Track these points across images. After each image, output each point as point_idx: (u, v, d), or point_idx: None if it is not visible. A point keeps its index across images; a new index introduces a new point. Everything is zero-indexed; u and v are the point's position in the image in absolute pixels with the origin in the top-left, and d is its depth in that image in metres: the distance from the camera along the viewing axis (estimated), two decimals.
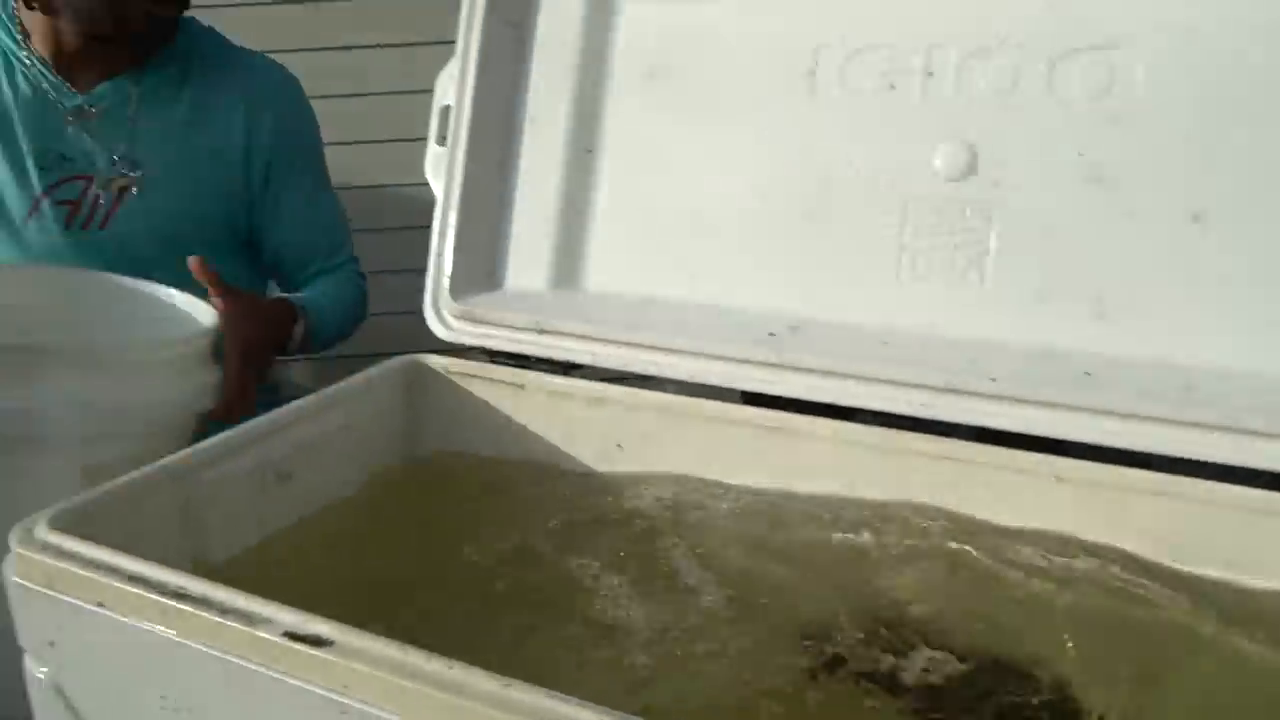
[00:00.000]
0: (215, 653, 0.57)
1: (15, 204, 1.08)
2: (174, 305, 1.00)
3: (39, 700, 0.67)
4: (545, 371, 0.99)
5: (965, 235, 0.87)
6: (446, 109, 1.04)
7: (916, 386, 0.84)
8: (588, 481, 0.94)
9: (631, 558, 0.81)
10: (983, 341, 0.85)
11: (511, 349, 1.00)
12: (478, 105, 1.03)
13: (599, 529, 0.85)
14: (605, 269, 1.02)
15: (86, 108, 1.09)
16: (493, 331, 1.01)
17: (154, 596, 0.59)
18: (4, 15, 1.09)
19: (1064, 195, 0.83)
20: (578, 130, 1.03)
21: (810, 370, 0.88)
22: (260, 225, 1.24)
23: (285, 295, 1.19)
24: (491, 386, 0.99)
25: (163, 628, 0.59)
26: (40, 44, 1.08)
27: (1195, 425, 0.75)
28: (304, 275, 1.28)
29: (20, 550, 0.64)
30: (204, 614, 0.57)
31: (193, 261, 0.99)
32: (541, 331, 0.99)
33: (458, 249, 1.03)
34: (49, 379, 0.80)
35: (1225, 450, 0.73)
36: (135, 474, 0.74)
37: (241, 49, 1.20)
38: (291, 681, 0.54)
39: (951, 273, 0.88)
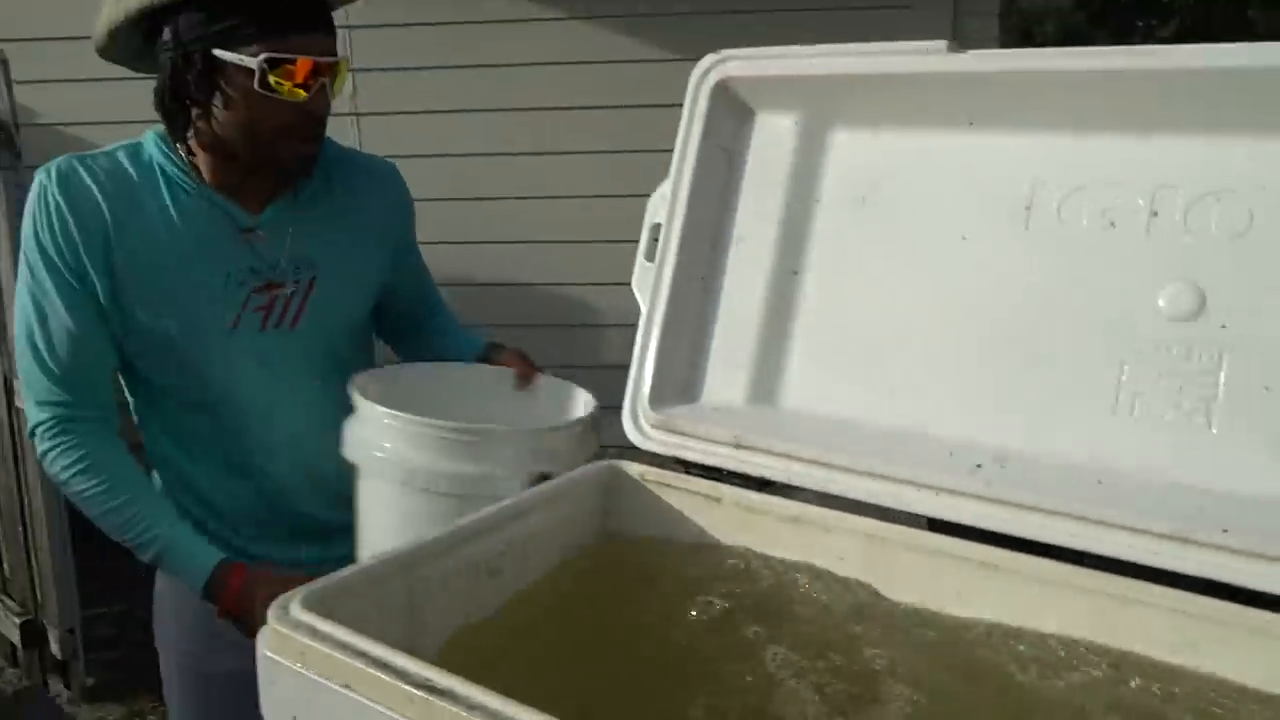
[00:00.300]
0: None
1: (217, 317, 1.18)
2: (550, 388, 1.27)
3: None
4: (739, 486, 1.00)
5: (1192, 378, 0.85)
6: (657, 227, 1.10)
7: (1139, 532, 0.81)
8: (782, 592, 0.94)
9: (828, 670, 0.80)
10: (1212, 489, 0.82)
11: (707, 461, 1.02)
12: (688, 225, 1.08)
13: (794, 638, 0.84)
14: (803, 387, 1.04)
15: (257, 228, 1.20)
16: (689, 443, 1.03)
17: (401, 685, 0.62)
18: (171, 154, 1.18)
19: None
20: (785, 251, 1.06)
21: (1020, 506, 0.86)
22: (389, 295, 1.39)
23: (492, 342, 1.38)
24: (687, 497, 1.01)
25: (406, 716, 0.62)
26: (208, 176, 1.19)
27: None
28: (424, 328, 1.44)
29: (276, 626, 0.69)
30: (449, 707, 0.60)
31: (520, 368, 1.26)
32: (738, 446, 1.00)
33: (659, 361, 1.07)
34: (499, 453, 1.05)
35: None
36: (372, 562, 0.79)
37: (347, 148, 1.34)
38: None
39: (1176, 415, 0.85)
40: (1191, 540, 0.79)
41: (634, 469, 1.04)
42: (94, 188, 1.14)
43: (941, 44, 0.96)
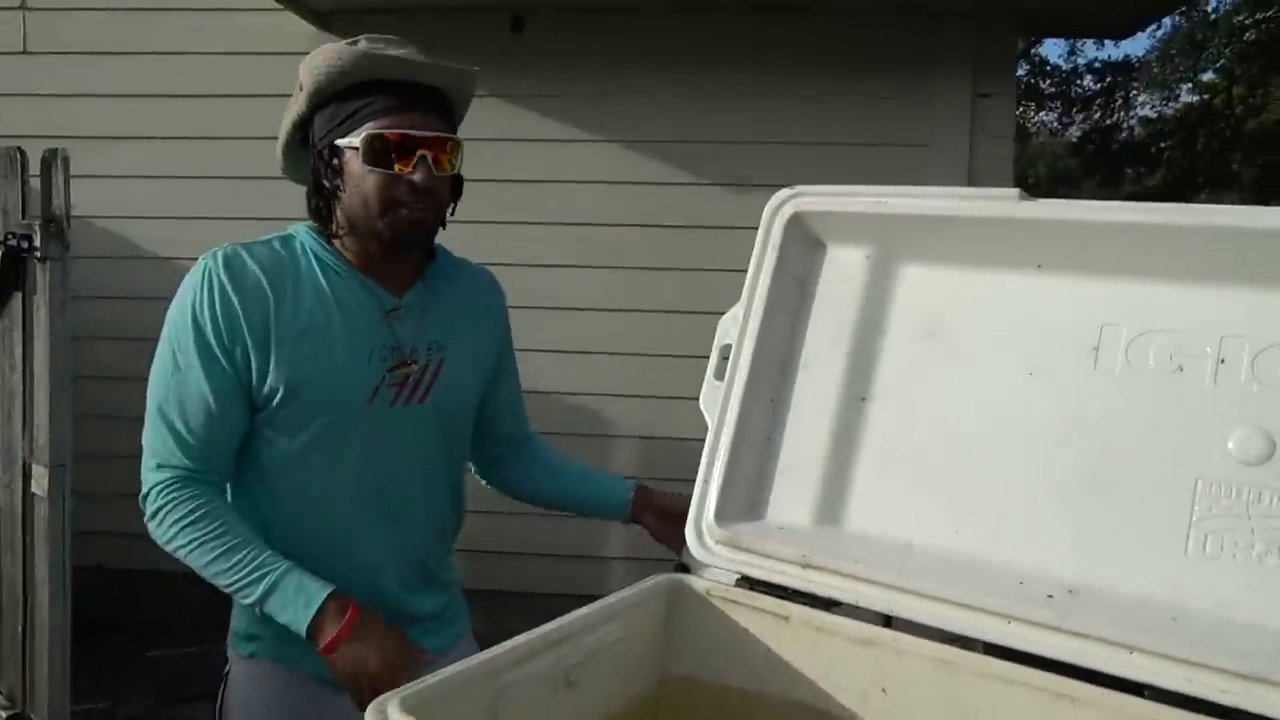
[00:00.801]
0: None
1: (357, 389, 1.25)
2: None
3: None
4: (805, 605, 1.01)
5: (1263, 520, 0.87)
6: (727, 347, 1.14)
7: (1215, 670, 0.82)
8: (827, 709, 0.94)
9: None
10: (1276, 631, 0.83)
11: (773, 579, 1.03)
12: (758, 348, 1.12)
13: None
14: (869, 510, 1.06)
15: (399, 308, 1.29)
16: (755, 560, 1.05)
17: None
18: (322, 242, 1.28)
19: None
20: (853, 378, 1.10)
21: (1091, 638, 0.87)
22: (490, 404, 1.45)
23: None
24: (755, 615, 1.01)
25: None
26: (355, 261, 1.28)
27: None
28: (521, 454, 1.51)
29: None
30: None
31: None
32: (806, 566, 1.02)
33: (725, 478, 1.10)
34: None
35: None
36: (462, 667, 0.79)
37: (456, 256, 1.45)
38: None
39: (1249, 556, 0.87)
40: (1265, 680, 0.80)
41: (699, 584, 1.05)
42: (257, 269, 1.22)
43: (1014, 192, 1.02)
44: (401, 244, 1.24)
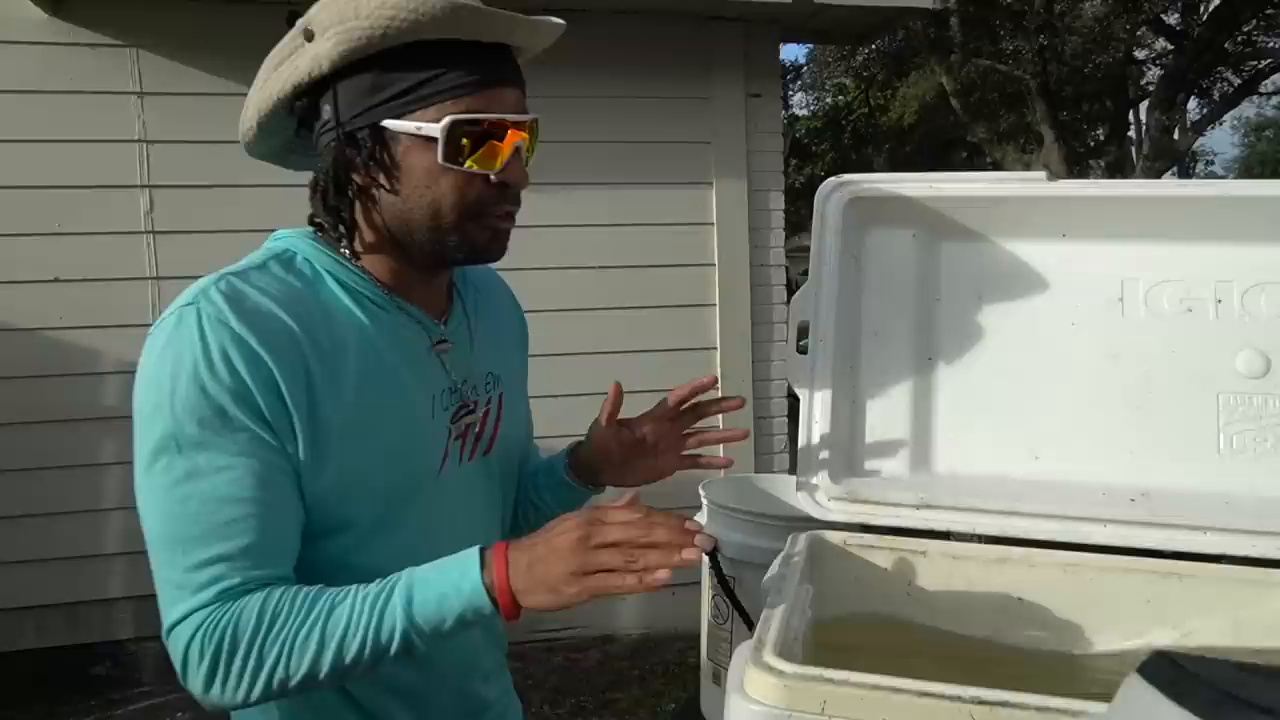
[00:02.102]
0: None
1: (428, 458, 0.98)
2: None
3: None
4: (917, 538, 1.16)
5: (1273, 419, 1.14)
6: (804, 324, 1.25)
7: (1262, 534, 1.08)
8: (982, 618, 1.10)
9: None
10: None
11: (895, 523, 1.17)
12: (834, 321, 1.24)
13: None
14: (955, 452, 1.23)
15: (445, 339, 1.02)
16: (872, 509, 1.18)
17: None
18: (339, 259, 0.97)
19: None
20: (918, 340, 1.26)
21: (1176, 526, 1.10)
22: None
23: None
24: (891, 555, 1.14)
25: None
26: (387, 281, 0.98)
27: None
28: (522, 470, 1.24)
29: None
30: None
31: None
32: (922, 506, 1.16)
33: (828, 442, 1.21)
34: None
35: None
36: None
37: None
38: None
39: (1265, 448, 1.14)
40: None
41: (834, 537, 1.16)
42: (275, 308, 0.89)
43: (1041, 174, 1.23)
44: (468, 261, 0.98)
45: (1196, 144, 15.69)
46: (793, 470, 1.29)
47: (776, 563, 1.07)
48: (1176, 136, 11.56)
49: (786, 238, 4.04)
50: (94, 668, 3.54)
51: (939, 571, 1.14)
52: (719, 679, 1.46)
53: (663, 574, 0.82)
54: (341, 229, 0.96)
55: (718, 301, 3.86)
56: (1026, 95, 11.94)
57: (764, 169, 3.85)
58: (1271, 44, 11.74)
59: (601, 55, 3.60)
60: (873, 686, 0.73)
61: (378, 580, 0.87)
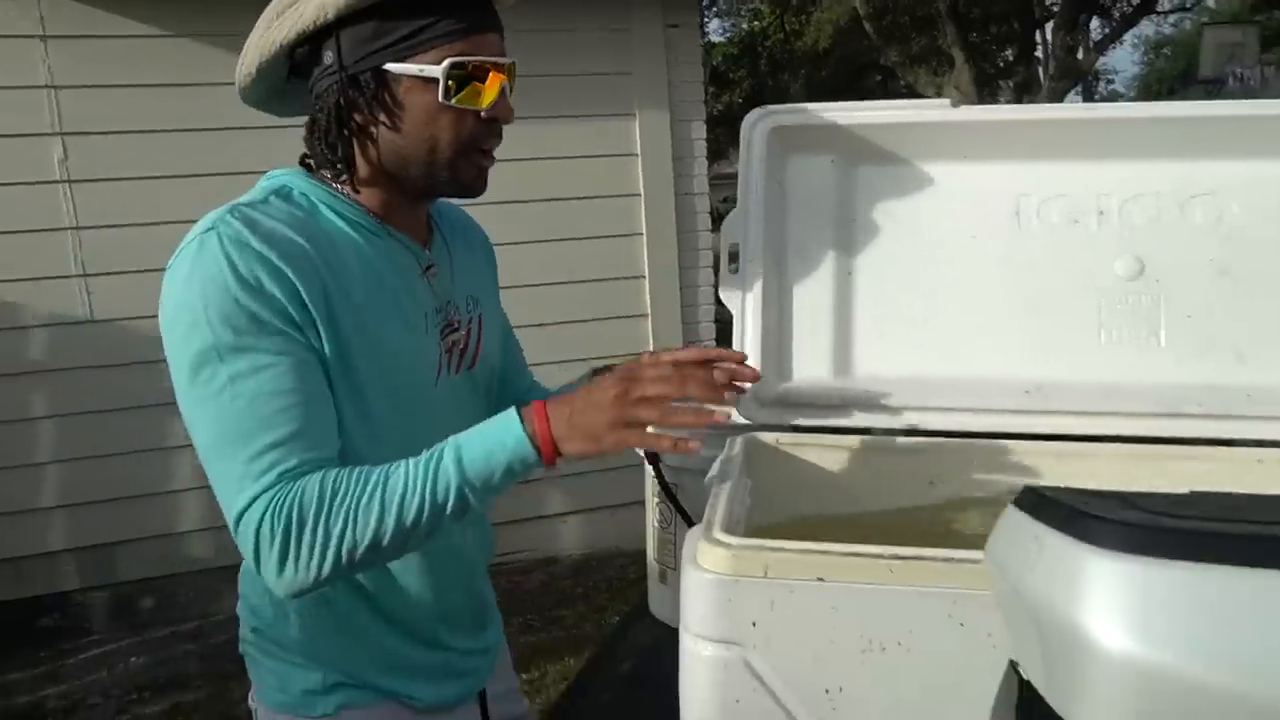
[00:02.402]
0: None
1: (426, 367, 1.07)
2: None
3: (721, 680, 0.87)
4: (843, 434, 1.29)
5: (1143, 314, 1.30)
6: (734, 245, 1.36)
7: (1141, 415, 1.24)
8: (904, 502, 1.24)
9: None
10: (1169, 383, 1.27)
11: (824, 423, 1.30)
12: (760, 242, 1.35)
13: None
14: (874, 357, 1.36)
15: (432, 264, 1.12)
16: (804, 411, 1.30)
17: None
18: (334, 193, 1.05)
19: (1205, 284, 1.29)
20: (838, 257, 1.38)
21: (1065, 413, 1.25)
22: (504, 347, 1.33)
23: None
24: (823, 452, 1.27)
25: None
26: (380, 212, 1.07)
27: None
28: (519, 386, 1.35)
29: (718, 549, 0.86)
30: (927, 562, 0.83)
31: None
32: (845, 405, 1.30)
33: (755, 351, 1.33)
34: None
35: None
36: None
37: None
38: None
39: (1136, 339, 1.30)
40: (1178, 415, 1.23)
41: (768, 438, 1.28)
42: (289, 232, 0.96)
43: (945, 101, 1.34)
44: (456, 194, 1.07)
45: (1099, 63, 16.12)
46: None
47: (717, 463, 1.19)
48: (1080, 56, 11.89)
49: (707, 166, 4.13)
50: (41, 620, 3.56)
51: (862, 463, 1.28)
52: (665, 578, 1.60)
53: (695, 445, 0.95)
54: (339, 165, 1.04)
55: (644, 231, 3.95)
56: (937, 18, 12.12)
57: (685, 99, 3.92)
58: None
59: None
60: (806, 550, 0.86)
61: (424, 452, 0.95)
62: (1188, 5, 15.35)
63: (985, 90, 13.27)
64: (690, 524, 1.37)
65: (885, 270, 1.37)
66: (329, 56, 1.00)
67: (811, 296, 1.37)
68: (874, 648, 0.84)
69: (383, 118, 1.01)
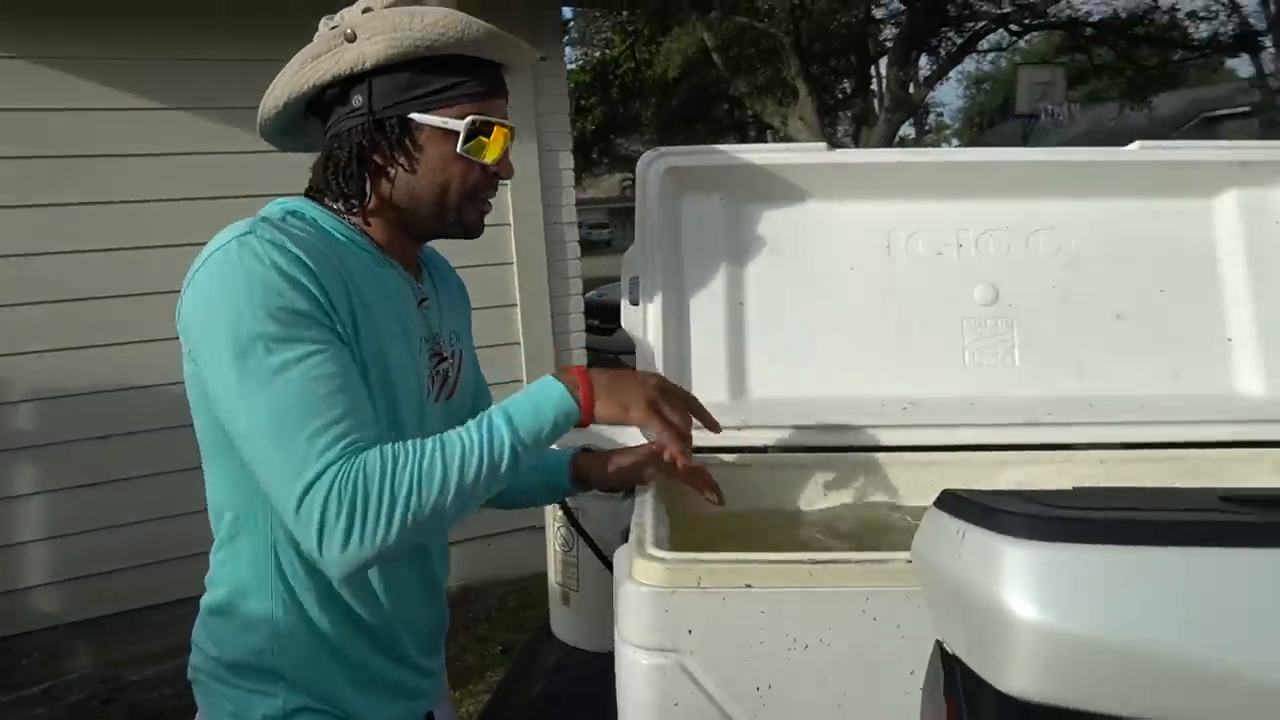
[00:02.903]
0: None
1: (420, 385, 1.15)
2: None
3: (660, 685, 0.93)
4: (742, 453, 1.39)
5: (999, 336, 1.46)
6: (635, 279, 1.44)
7: (1002, 425, 1.39)
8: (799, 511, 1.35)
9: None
10: (1024, 396, 1.43)
11: (721, 444, 1.39)
12: (659, 275, 1.44)
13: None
14: (765, 380, 1.47)
15: (425, 297, 1.21)
16: (703, 433, 1.39)
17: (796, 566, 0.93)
18: (341, 223, 1.13)
19: (1050, 308, 1.46)
20: (730, 288, 1.48)
21: (939, 425, 1.39)
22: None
23: None
24: (723, 470, 1.36)
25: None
26: (382, 244, 1.16)
27: (1141, 424, 1.38)
28: None
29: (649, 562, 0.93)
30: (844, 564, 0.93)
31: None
32: (744, 427, 1.40)
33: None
34: None
35: (1135, 434, 1.38)
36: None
37: None
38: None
39: (994, 358, 1.45)
40: (1034, 424, 1.39)
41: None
42: (315, 242, 1.04)
43: (822, 145, 1.47)
44: (459, 234, 1.18)
45: (929, 96, 17.25)
46: None
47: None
48: (912, 90, 12.71)
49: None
50: None
51: (761, 478, 1.38)
52: (569, 600, 1.65)
53: (682, 463, 1.21)
54: (352, 199, 1.12)
55: (515, 260, 4.00)
56: (781, 51, 12.70)
57: (552, 129, 4.00)
58: (984, 7, 13.10)
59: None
60: (736, 560, 0.94)
61: (471, 425, 1.03)
62: (1004, 46, 16.66)
63: (826, 120, 13.99)
64: (593, 546, 1.44)
65: (773, 300, 1.49)
66: (358, 100, 1.09)
67: (707, 325, 1.47)
68: (798, 646, 0.93)
69: (401, 159, 1.11)
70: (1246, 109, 19.49)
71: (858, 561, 0.93)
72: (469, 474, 0.99)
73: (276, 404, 0.96)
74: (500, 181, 1.18)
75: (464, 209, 1.15)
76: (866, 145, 12.03)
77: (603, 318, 7.60)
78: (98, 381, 3.32)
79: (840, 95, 15.68)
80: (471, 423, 1.03)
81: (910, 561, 0.87)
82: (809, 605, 0.93)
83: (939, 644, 0.72)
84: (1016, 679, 0.59)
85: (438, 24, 1.05)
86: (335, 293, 1.02)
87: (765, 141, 13.75)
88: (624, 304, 1.45)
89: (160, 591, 3.36)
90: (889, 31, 14.66)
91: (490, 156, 1.12)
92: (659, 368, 1.41)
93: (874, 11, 14.19)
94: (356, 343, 1.04)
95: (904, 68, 12.11)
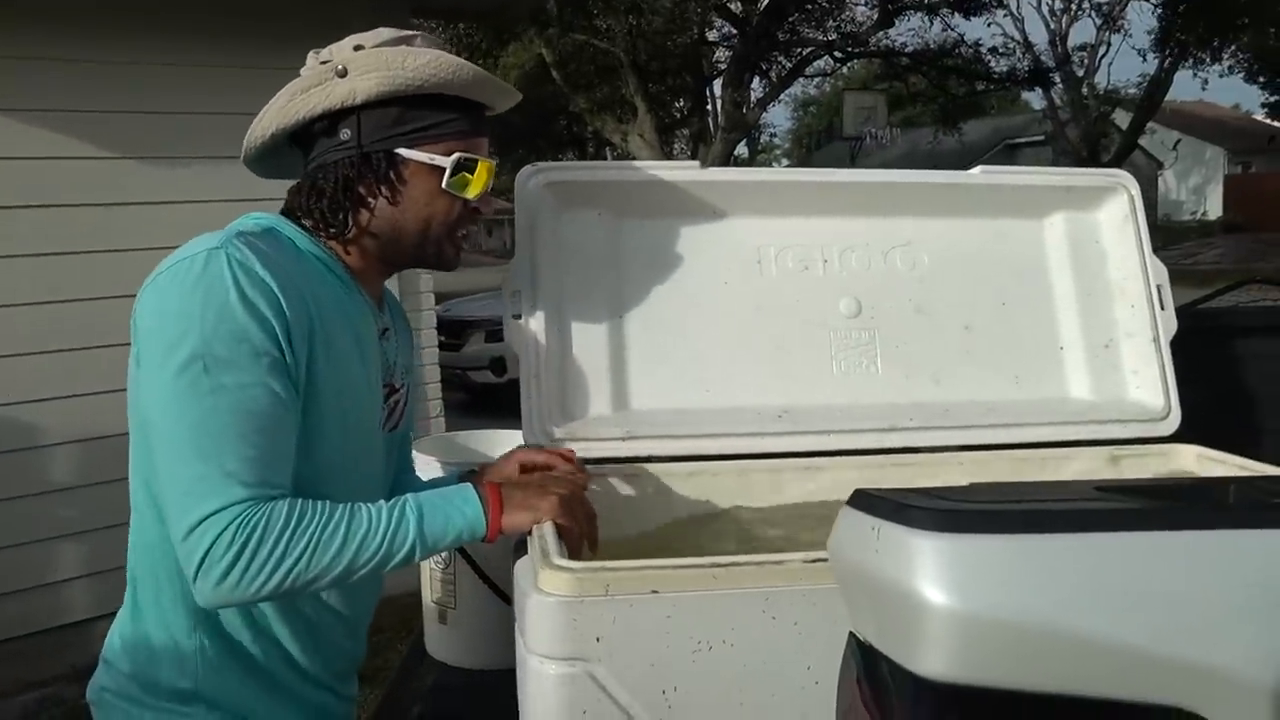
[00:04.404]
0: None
1: (375, 413, 1.18)
2: None
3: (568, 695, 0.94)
4: (628, 464, 1.42)
5: (863, 347, 1.55)
6: (516, 293, 1.45)
7: (868, 431, 1.48)
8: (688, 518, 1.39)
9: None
10: (887, 403, 1.53)
11: (609, 455, 1.41)
12: (540, 289, 1.45)
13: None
14: (646, 392, 1.49)
15: (387, 328, 1.23)
16: (591, 445, 1.41)
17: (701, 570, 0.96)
18: (317, 245, 1.15)
19: (907, 320, 1.56)
20: (610, 303, 1.50)
21: (810, 433, 1.46)
22: None
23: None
24: (609, 481, 1.39)
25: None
26: (355, 269, 1.17)
27: (990, 427, 1.50)
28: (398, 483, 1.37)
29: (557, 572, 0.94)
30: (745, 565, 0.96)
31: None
32: (628, 438, 1.42)
33: (541, 390, 1.42)
34: None
35: (986, 436, 1.50)
36: None
37: None
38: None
39: (859, 367, 1.54)
40: (896, 429, 1.48)
41: None
42: (285, 265, 1.04)
43: (695, 163, 1.52)
44: (437, 266, 1.21)
45: (761, 117, 17.94)
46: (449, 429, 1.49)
47: None
48: (745, 111, 13.19)
49: None
50: None
51: (647, 487, 1.41)
52: (445, 618, 1.63)
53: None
54: (333, 226, 1.14)
55: None
56: (619, 69, 12.90)
57: None
58: (810, 34, 13.77)
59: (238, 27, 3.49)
60: (642, 567, 0.96)
61: (384, 504, 1.05)
62: (828, 72, 17.54)
63: (664, 138, 14.30)
64: (472, 564, 1.44)
65: (651, 313, 1.52)
66: (346, 133, 1.12)
67: (588, 338, 1.49)
68: (703, 648, 0.96)
69: (385, 192, 1.13)
70: (1041, 138, 21.39)
71: (758, 563, 0.97)
72: (364, 554, 1.02)
73: (201, 423, 0.96)
74: (480, 216, 1.21)
75: (444, 243, 1.19)
76: (705, 163, 12.37)
77: (449, 333, 7.51)
78: None
79: (678, 114, 16.06)
80: (385, 505, 1.05)
81: (812, 561, 0.92)
82: (713, 607, 0.96)
83: (853, 635, 0.76)
84: (930, 661, 0.64)
85: (429, 65, 1.09)
86: (297, 317, 1.03)
87: (604, 159, 13.92)
88: (506, 318, 1.45)
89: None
90: (722, 54, 15.17)
91: (473, 192, 1.16)
92: (540, 381, 1.42)
93: (707, 34, 14.65)
94: (310, 374, 1.05)
95: (737, 89, 12.56)
